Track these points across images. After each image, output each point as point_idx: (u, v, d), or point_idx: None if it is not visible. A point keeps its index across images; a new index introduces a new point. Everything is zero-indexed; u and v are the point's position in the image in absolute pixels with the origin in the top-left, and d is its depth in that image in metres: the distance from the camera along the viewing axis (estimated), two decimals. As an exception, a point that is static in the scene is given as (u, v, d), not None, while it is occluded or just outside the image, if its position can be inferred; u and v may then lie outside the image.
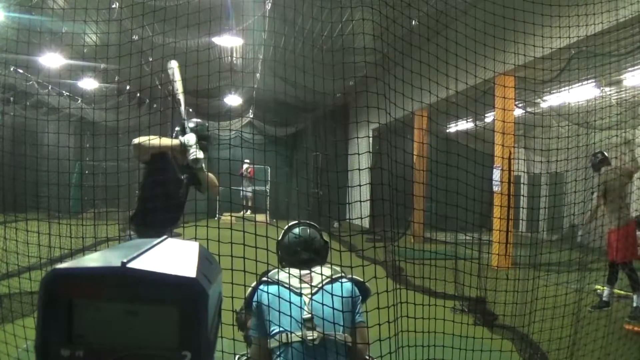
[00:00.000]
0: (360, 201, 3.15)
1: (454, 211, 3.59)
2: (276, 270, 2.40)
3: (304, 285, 2.28)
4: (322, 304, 2.21)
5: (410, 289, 3.36)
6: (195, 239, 2.03)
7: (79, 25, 4.03)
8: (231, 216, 4.32)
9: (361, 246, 3.69)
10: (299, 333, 2.16)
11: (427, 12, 4.97)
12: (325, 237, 2.63)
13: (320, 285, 2.29)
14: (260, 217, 11.73)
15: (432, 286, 4.44)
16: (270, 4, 7.63)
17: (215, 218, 12.60)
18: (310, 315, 2.19)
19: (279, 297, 2.24)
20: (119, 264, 0.70)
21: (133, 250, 0.77)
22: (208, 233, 2.41)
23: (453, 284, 4.91)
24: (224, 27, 8.45)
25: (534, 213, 8.55)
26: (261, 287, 2.32)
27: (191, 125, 3.55)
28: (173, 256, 0.84)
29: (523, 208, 10.87)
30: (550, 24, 4.49)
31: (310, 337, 2.15)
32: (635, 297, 5.46)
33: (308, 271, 2.34)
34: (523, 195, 11.37)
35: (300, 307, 2.20)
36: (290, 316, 2.18)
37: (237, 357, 2.47)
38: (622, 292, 6.05)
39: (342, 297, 2.26)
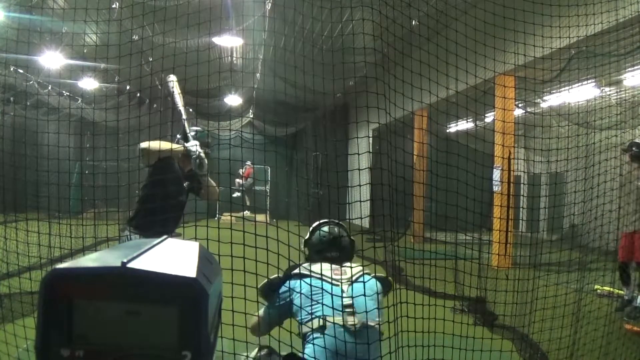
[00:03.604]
0: (360, 201, 3.15)
1: (454, 211, 3.59)
2: (308, 263, 2.46)
3: (336, 277, 2.34)
4: (362, 294, 2.26)
5: (410, 289, 3.36)
6: (195, 239, 2.03)
7: (79, 25, 4.03)
8: (231, 216, 4.33)
9: (361, 246, 3.68)
10: (339, 318, 2.19)
11: (427, 12, 4.97)
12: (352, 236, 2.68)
13: (355, 277, 2.37)
14: (260, 217, 11.74)
15: (432, 286, 4.43)
16: (270, 4, 7.63)
17: (215, 218, 12.61)
18: (350, 301, 2.24)
19: (316, 287, 2.30)
20: (119, 264, 0.70)
21: (133, 250, 0.77)
22: (208, 233, 2.41)
23: (453, 284, 4.91)
24: (224, 27, 8.45)
25: (534, 213, 8.55)
26: (294, 278, 2.38)
27: (192, 133, 3.65)
28: (173, 256, 0.84)
29: (523, 208, 10.87)
30: (550, 24, 4.49)
31: (352, 323, 2.18)
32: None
33: (338, 266, 2.42)
34: (523, 195, 11.36)
35: (340, 296, 2.24)
36: (332, 303, 2.21)
37: (244, 358, 2.48)
38: (621, 292, 6.05)
39: (375, 287, 2.37)
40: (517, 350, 4.17)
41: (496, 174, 8.16)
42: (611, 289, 6.07)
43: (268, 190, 17.28)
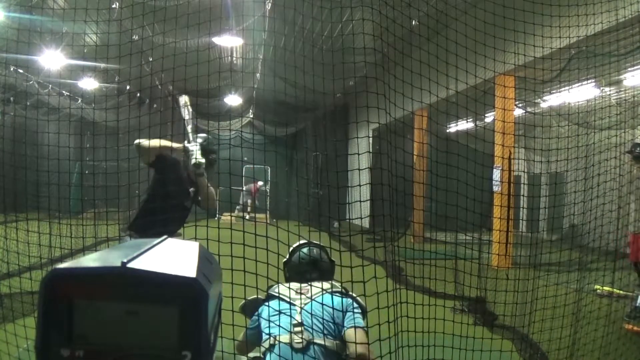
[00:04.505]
0: (360, 201, 3.15)
1: (454, 211, 3.58)
2: (277, 285, 2.46)
3: (300, 296, 2.33)
4: (317, 312, 2.25)
5: (410, 289, 3.36)
6: (195, 239, 2.03)
7: (79, 25, 4.03)
8: (231, 216, 4.33)
9: (361, 246, 3.69)
10: (286, 336, 2.19)
11: (427, 12, 4.97)
12: (332, 257, 2.68)
13: (315, 295, 2.33)
14: (261, 217, 11.73)
15: (432, 286, 4.43)
16: (270, 4, 7.63)
17: (215, 218, 12.60)
18: (298, 321, 2.23)
19: (274, 309, 2.30)
20: (119, 264, 0.70)
21: (133, 250, 0.77)
22: (208, 233, 2.41)
23: (453, 284, 4.91)
24: (224, 27, 8.45)
25: (534, 213, 8.54)
26: (264, 303, 2.40)
27: (199, 140, 3.67)
28: (173, 256, 0.84)
29: (523, 208, 10.87)
30: (550, 24, 4.49)
31: (298, 341, 2.17)
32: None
33: (307, 284, 2.40)
34: (523, 195, 11.36)
35: (290, 316, 2.24)
36: (282, 322, 2.23)
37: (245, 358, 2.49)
38: (621, 292, 6.05)
39: (340, 304, 2.29)
40: (517, 350, 4.17)
41: (496, 174, 8.16)
42: (611, 289, 6.07)
43: (268, 190, 17.29)
